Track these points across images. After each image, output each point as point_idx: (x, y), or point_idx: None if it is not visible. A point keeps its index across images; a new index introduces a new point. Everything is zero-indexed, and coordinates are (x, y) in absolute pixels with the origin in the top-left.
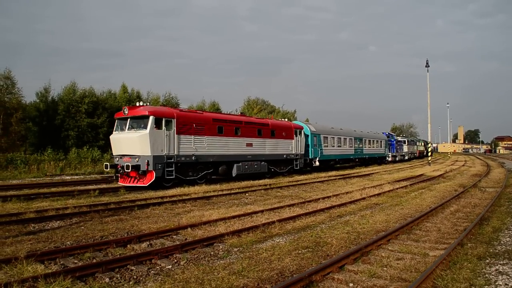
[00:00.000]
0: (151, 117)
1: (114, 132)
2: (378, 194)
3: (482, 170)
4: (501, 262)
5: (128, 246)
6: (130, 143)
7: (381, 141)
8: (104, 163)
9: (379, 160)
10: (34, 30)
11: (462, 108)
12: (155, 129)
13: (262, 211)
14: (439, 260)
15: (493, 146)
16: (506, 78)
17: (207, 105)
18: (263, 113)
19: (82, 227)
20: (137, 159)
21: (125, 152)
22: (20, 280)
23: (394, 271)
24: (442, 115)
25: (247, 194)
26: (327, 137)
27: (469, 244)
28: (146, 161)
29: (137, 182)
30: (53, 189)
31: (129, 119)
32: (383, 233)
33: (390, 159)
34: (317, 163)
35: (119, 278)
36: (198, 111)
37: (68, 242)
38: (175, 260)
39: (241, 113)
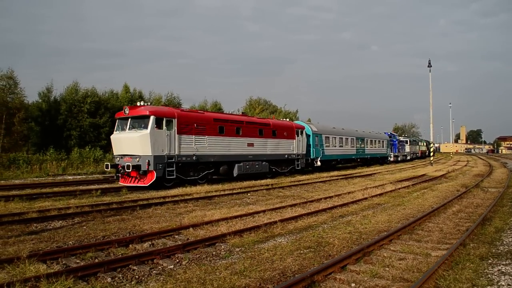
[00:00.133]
0: (151, 117)
1: (114, 132)
2: (380, 194)
3: (485, 170)
4: (504, 263)
5: (130, 246)
6: (131, 143)
7: (383, 141)
8: (105, 163)
9: (381, 160)
10: (36, 31)
11: (464, 108)
12: (156, 129)
13: (264, 211)
14: (441, 260)
15: (495, 146)
16: (508, 78)
17: (209, 105)
18: (265, 113)
19: (84, 227)
20: (137, 159)
21: (126, 152)
22: (23, 280)
23: (396, 271)
24: (444, 115)
25: (249, 194)
26: (328, 137)
27: (471, 244)
28: (147, 161)
29: (137, 182)
30: (55, 189)
31: (129, 119)
32: (385, 233)
33: (392, 159)
34: (319, 163)
35: (121, 278)
36: (199, 111)
37: (70, 242)
38: (177, 260)
39: (242, 113)
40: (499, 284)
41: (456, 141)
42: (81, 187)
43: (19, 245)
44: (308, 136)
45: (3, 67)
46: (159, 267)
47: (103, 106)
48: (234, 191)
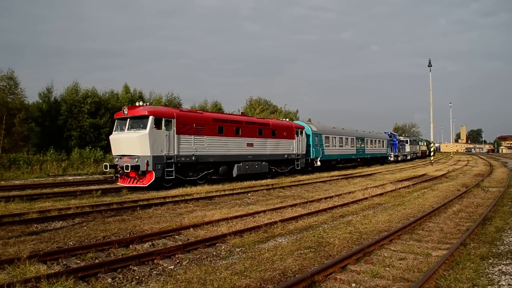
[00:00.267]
0: (150, 117)
1: (113, 132)
2: (381, 194)
3: (485, 170)
4: (504, 262)
5: (131, 246)
6: (130, 143)
7: (383, 141)
8: (104, 164)
9: (381, 160)
10: (36, 31)
11: (465, 108)
12: (155, 129)
13: (264, 211)
14: (441, 260)
15: (496, 146)
16: (508, 78)
17: (209, 105)
18: (265, 113)
19: (85, 228)
20: (136, 160)
21: (125, 153)
22: (23, 281)
23: (397, 271)
24: (445, 115)
25: (249, 194)
26: (328, 137)
27: (472, 244)
28: (146, 161)
29: (136, 183)
30: (56, 190)
31: (128, 119)
32: (386, 233)
33: (392, 159)
34: (319, 163)
35: (121, 278)
36: (198, 111)
37: (71, 243)
38: (178, 261)
39: (242, 113)
40: (499, 284)
41: (456, 141)
42: (81, 188)
43: (20, 245)
44: (308, 136)
45: (3, 67)
46: (160, 267)
47: (103, 107)
48: (235, 191)
